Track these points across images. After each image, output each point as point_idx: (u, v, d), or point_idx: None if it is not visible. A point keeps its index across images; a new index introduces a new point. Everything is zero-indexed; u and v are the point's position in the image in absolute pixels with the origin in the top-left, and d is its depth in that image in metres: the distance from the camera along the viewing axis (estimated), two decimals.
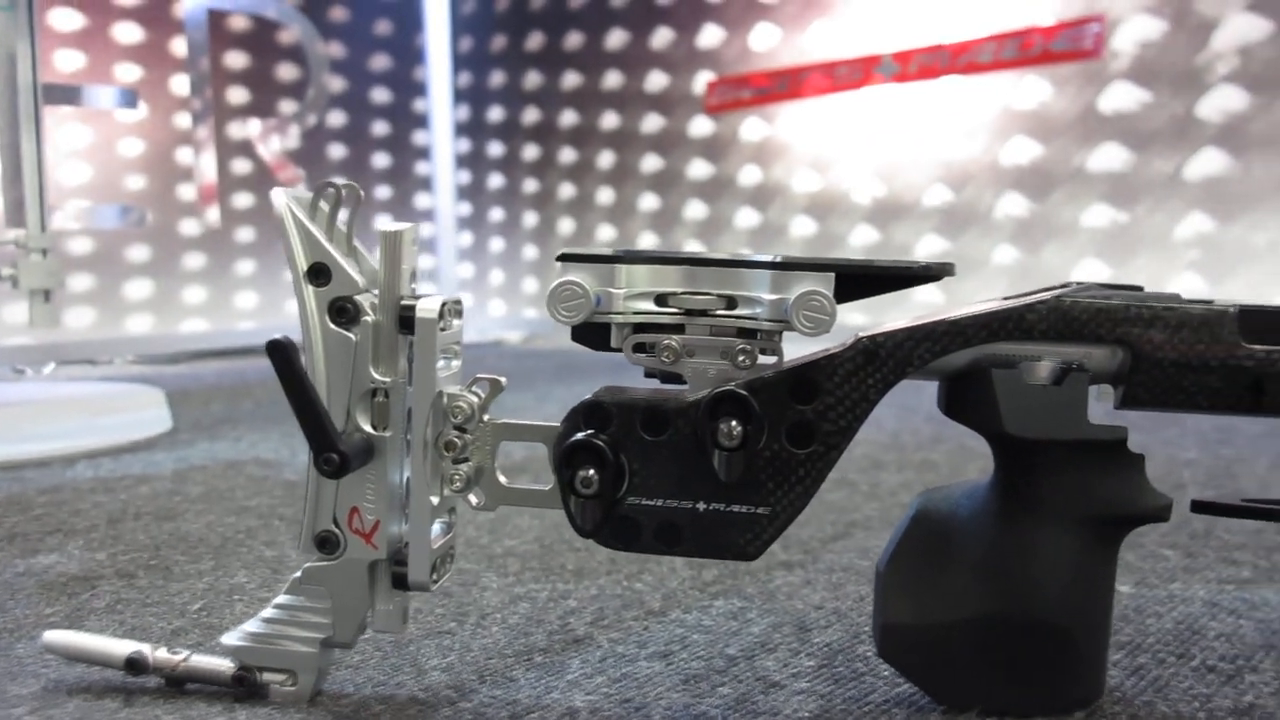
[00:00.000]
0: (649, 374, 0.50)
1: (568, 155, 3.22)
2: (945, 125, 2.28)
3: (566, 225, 3.23)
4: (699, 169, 2.82)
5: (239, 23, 3.11)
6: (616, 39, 3.04)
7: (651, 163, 2.95)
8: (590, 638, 0.60)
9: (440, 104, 3.46)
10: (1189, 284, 1.92)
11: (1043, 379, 0.46)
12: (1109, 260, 2.04)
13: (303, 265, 0.49)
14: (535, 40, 3.28)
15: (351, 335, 0.50)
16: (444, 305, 0.50)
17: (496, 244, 3.42)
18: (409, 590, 0.52)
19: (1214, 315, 0.45)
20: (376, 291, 0.50)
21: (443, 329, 0.50)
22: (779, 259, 0.47)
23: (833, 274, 0.47)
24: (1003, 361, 0.46)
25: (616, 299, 0.48)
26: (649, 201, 2.96)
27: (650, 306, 0.48)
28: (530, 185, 3.34)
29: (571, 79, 3.19)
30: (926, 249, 2.32)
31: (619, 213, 3.03)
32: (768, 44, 2.61)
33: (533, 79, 3.32)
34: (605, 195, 3.09)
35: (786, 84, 2.60)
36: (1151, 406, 0.46)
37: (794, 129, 2.60)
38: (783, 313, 0.46)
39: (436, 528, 0.52)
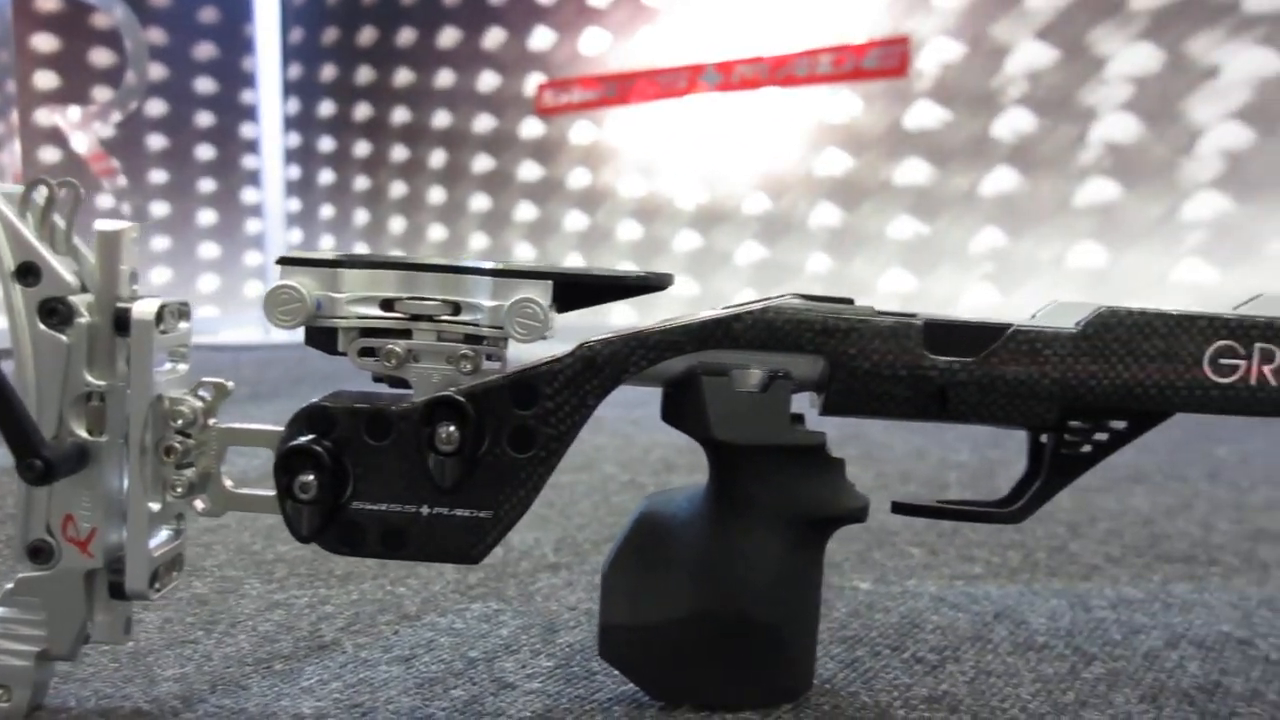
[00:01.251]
0: (377, 379, 0.50)
1: (399, 153, 3.17)
2: (765, 135, 2.35)
3: (398, 224, 3.18)
4: (529, 170, 2.82)
5: (49, 4, 2.95)
6: (449, 37, 3.01)
7: (483, 163, 2.94)
8: (337, 643, 0.60)
9: (269, 96, 3.36)
10: (983, 295, 2.04)
11: (750, 386, 0.48)
12: (913, 270, 2.14)
13: (10, 264, 0.48)
14: (367, 35, 3.23)
15: (64, 337, 0.48)
16: (164, 307, 0.49)
17: (326, 241, 3.34)
18: (128, 599, 0.50)
19: (902, 328, 0.48)
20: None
21: (164, 331, 0.49)
22: (497, 266, 0.48)
23: (550, 282, 0.48)
24: (716, 369, 0.48)
25: (339, 304, 0.48)
26: (480, 202, 2.94)
27: (375, 311, 0.48)
28: (361, 182, 3.29)
29: (404, 75, 3.15)
30: (747, 256, 2.38)
31: (450, 212, 3.01)
32: (597, 49, 2.64)
33: (365, 74, 3.26)
34: (436, 195, 3.06)
35: (615, 89, 2.63)
36: (851, 413, 0.49)
37: (622, 134, 2.64)
38: (500, 319, 0.47)
39: (162, 534, 0.51)
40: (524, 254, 2.84)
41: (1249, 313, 0.49)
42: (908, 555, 0.78)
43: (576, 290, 0.49)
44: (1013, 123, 2.01)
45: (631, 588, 0.51)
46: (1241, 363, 0.47)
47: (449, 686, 0.54)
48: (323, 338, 0.49)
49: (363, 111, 3.23)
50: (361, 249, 3.34)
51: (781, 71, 2.30)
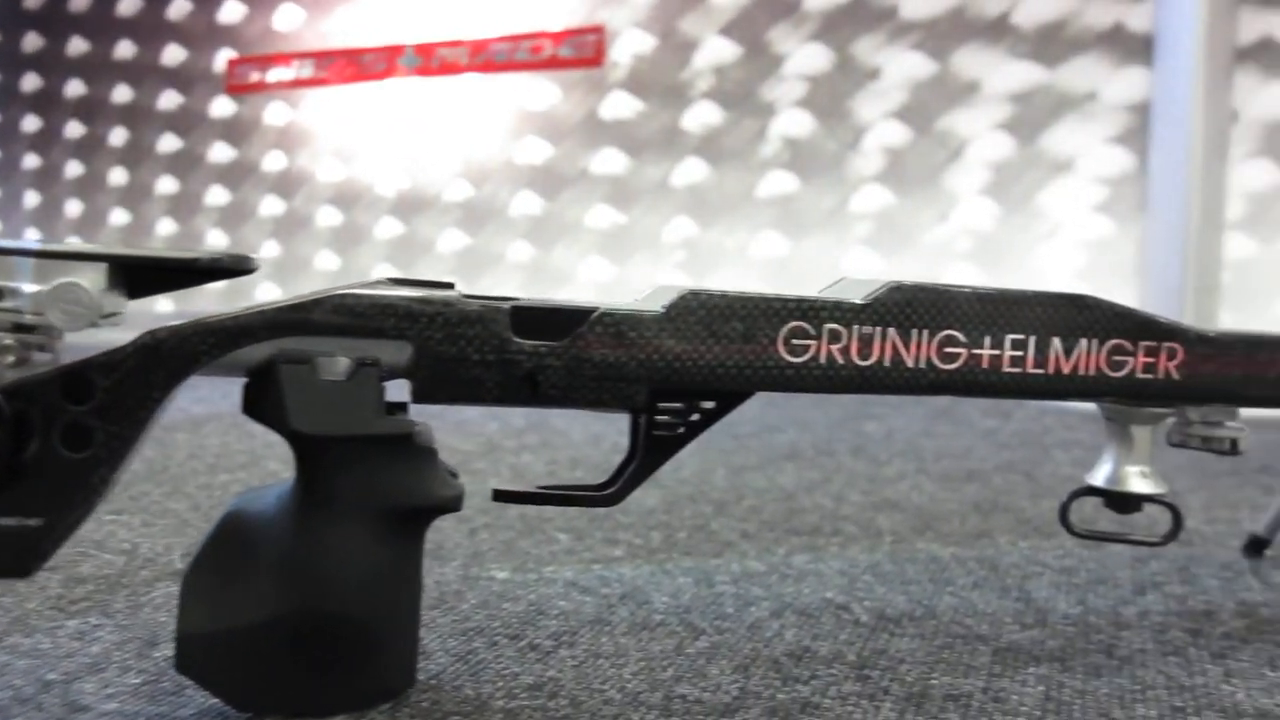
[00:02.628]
0: None
1: (74, 129, 2.91)
2: (465, 122, 2.32)
3: (74, 208, 2.92)
4: (220, 152, 2.66)
5: None
6: (129, 4, 2.79)
7: (169, 143, 2.74)
8: None
9: None
10: (676, 281, 2.10)
11: (335, 375, 0.46)
12: (611, 258, 2.18)
13: None
14: None
15: None
16: None
17: None
18: None
19: (488, 312, 0.47)
20: None
21: None
22: (42, 247, 0.43)
23: (105, 264, 0.44)
24: (299, 357, 0.46)
25: None
26: (166, 184, 2.75)
27: None
28: (30, 161, 2.99)
29: (78, 45, 2.89)
30: (449, 244, 2.35)
31: (133, 195, 2.79)
32: (292, 25, 2.52)
33: (32, 41, 2.97)
34: (118, 176, 2.83)
35: (311, 68, 2.52)
36: (442, 400, 0.48)
37: (319, 116, 2.53)
38: (42, 305, 0.43)
39: None
40: (216, 241, 2.67)
41: (828, 295, 0.51)
42: (554, 541, 0.78)
43: (147, 274, 0.45)
44: (701, 115, 2.08)
45: (211, 593, 0.47)
46: (812, 343, 0.50)
47: (10, 716, 0.48)
48: None
49: (31, 83, 2.94)
50: (33, 235, 3.05)
51: (481, 56, 2.27)
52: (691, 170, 2.09)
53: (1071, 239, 1.70)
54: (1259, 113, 1.54)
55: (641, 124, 2.14)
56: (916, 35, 1.86)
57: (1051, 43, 1.73)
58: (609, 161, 2.17)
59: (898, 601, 0.64)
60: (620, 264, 2.13)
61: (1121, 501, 0.59)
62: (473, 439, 1.30)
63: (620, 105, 2.16)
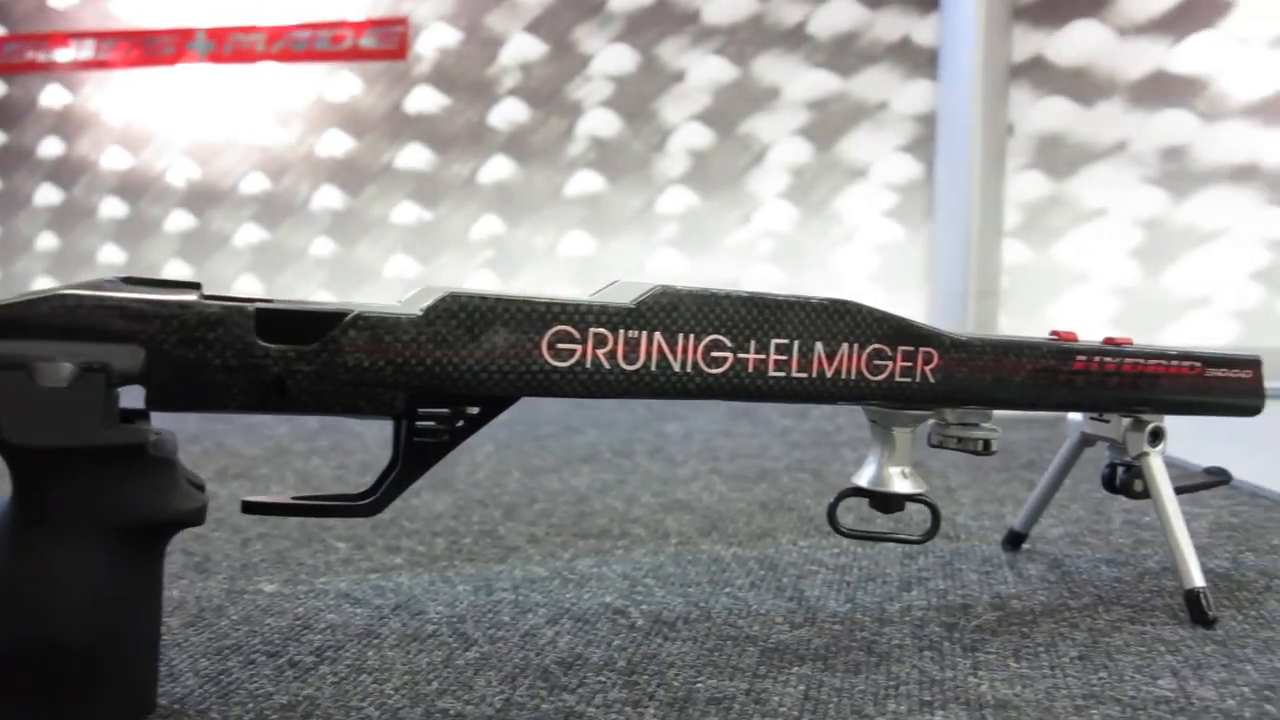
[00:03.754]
0: None
1: None
2: (262, 112, 2.22)
3: None
4: None
5: None
6: None
7: None
8: None
9: None
10: (485, 281, 2.07)
11: (56, 382, 0.42)
12: (416, 257, 2.13)
13: None
14: None
15: None
16: None
17: None
18: None
19: (230, 313, 0.44)
20: None
21: None
22: None
23: None
24: (13, 363, 0.42)
25: None
26: None
27: None
28: None
29: None
30: (245, 238, 2.24)
31: None
32: (70, 1, 2.35)
33: None
34: None
35: (92, 50, 2.36)
36: (181, 407, 0.45)
37: (102, 101, 2.38)
38: None
39: None
40: None
41: (597, 299, 0.50)
42: (332, 550, 0.75)
43: None
44: (508, 113, 2.06)
45: None
46: (578, 347, 0.49)
47: None
48: None
49: None
50: None
51: (279, 44, 2.18)
52: (498, 168, 2.06)
53: (866, 243, 1.77)
54: (1031, 127, 1.64)
55: (447, 119, 2.10)
56: (718, 40, 1.90)
57: (844, 53, 1.79)
58: (414, 157, 2.12)
59: (675, 604, 0.64)
60: (426, 262, 2.09)
61: (885, 501, 0.60)
62: (261, 443, 1.25)
63: (425, 99, 2.11)
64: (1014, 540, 0.76)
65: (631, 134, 1.97)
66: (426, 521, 0.84)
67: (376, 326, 0.46)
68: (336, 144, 2.17)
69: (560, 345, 0.49)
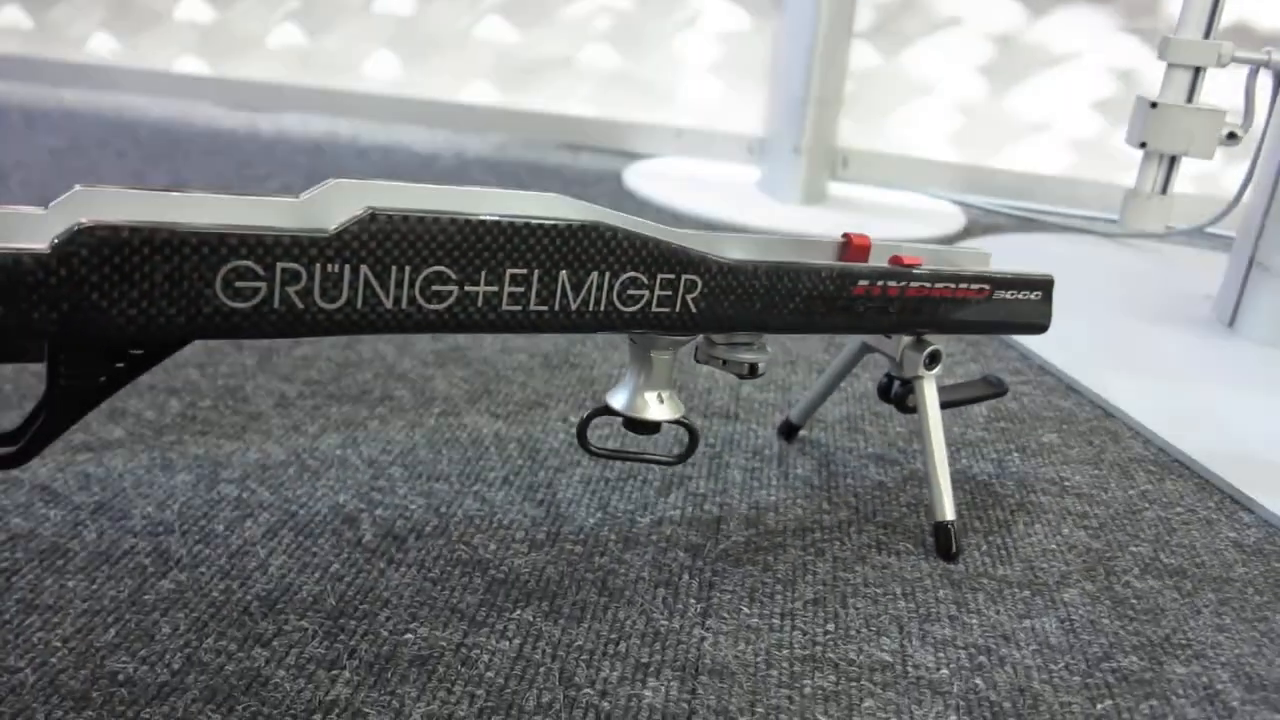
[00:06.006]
0: None
1: None
2: None
3: None
4: None
5: None
6: None
7: None
8: None
9: None
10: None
11: None
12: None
13: None
14: None
15: None
16: None
17: None
18: None
19: None
20: None
21: None
22: None
23: None
24: None
25: None
26: None
27: None
28: None
29: None
30: None
31: None
32: None
33: None
34: None
35: None
36: None
37: None
38: None
39: None
40: None
41: (297, 223, 0.42)
42: None
43: None
44: None
45: None
46: (262, 284, 0.41)
47: None
48: None
49: None
50: None
51: None
52: None
53: (710, 30, 1.65)
54: None
55: None
56: None
57: None
58: None
59: (414, 509, 0.60)
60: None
61: (638, 426, 0.56)
62: None
63: None
64: (788, 431, 0.74)
65: None
66: (167, 370, 0.76)
67: None
68: None
69: (240, 284, 0.41)
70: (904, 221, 1.43)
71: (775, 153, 1.51)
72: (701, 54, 1.68)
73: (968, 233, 1.42)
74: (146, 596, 0.50)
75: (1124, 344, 1.02)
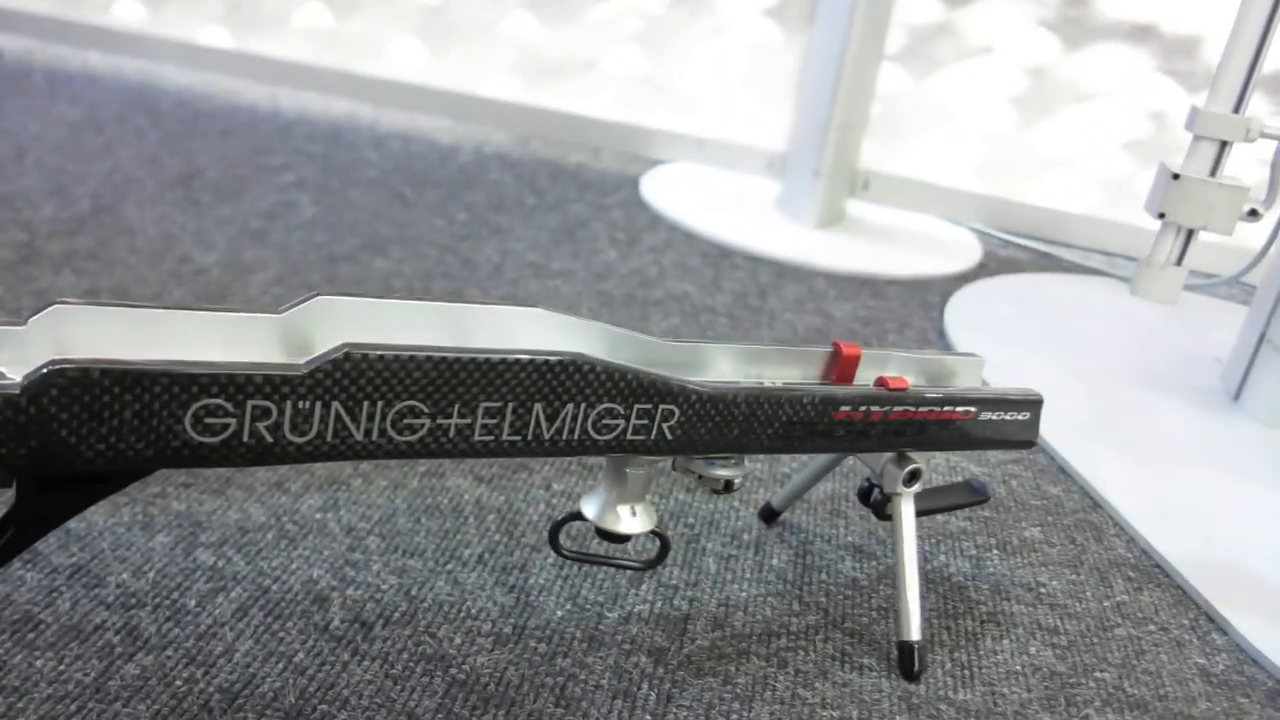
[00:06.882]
0: None
1: None
2: None
3: None
4: None
5: None
6: None
7: None
8: None
9: None
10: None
11: None
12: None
13: None
14: None
15: None
16: None
17: None
18: None
19: None
20: None
21: None
22: None
23: None
24: None
25: None
26: None
27: None
28: None
29: None
30: None
31: None
32: None
33: None
34: None
35: None
36: None
37: None
38: None
39: None
40: None
41: (266, 369, 0.42)
42: None
43: None
44: None
45: None
46: (232, 420, 0.42)
47: None
48: None
49: None
50: None
51: None
52: None
53: (740, 40, 1.63)
54: None
55: None
56: None
57: None
58: None
59: (385, 590, 0.61)
60: None
61: (608, 536, 0.56)
62: None
63: None
64: (768, 515, 0.74)
65: None
66: None
67: None
68: None
69: (210, 420, 0.41)
70: (919, 252, 1.42)
71: (795, 173, 1.50)
72: (729, 64, 1.66)
73: (984, 267, 1.40)
74: (111, 683, 0.51)
75: (1123, 418, 1.01)
